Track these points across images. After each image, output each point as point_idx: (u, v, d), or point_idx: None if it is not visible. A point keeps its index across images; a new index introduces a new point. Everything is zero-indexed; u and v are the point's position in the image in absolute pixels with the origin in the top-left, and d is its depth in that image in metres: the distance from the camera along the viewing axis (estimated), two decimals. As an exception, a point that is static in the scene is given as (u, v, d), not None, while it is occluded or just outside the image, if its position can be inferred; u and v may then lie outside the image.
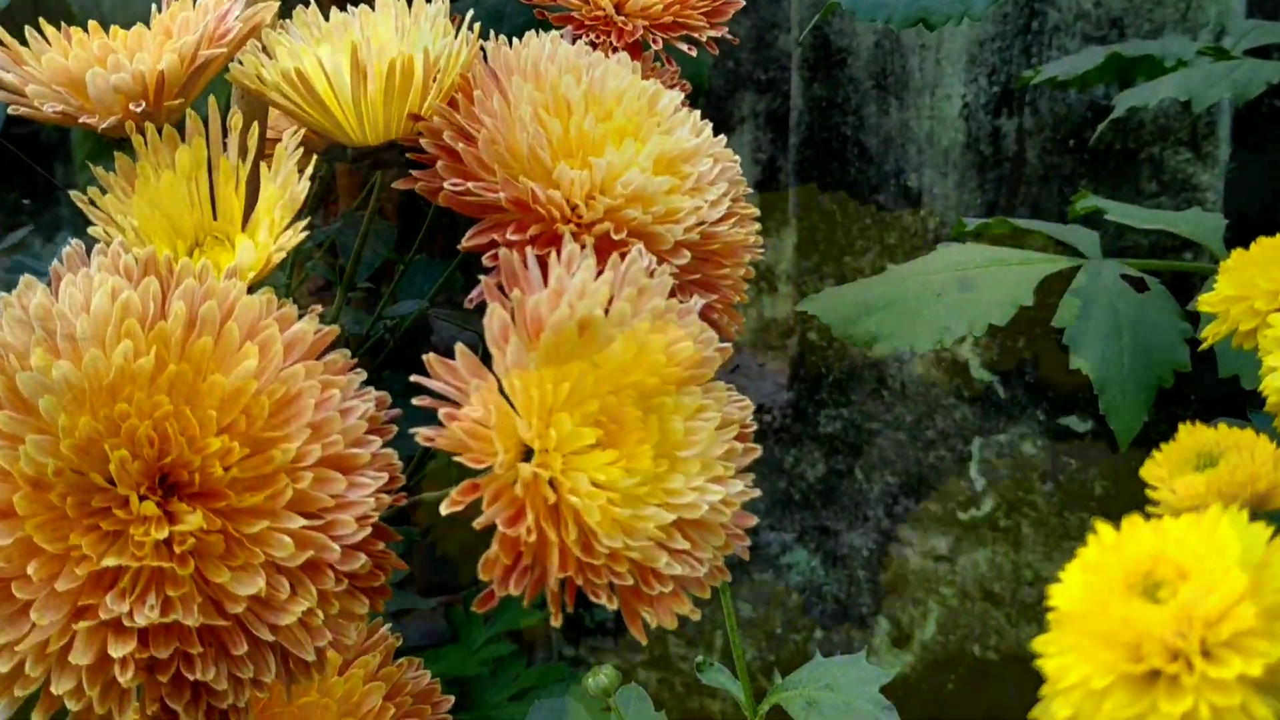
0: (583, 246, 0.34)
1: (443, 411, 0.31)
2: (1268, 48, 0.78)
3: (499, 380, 0.31)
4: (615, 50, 0.45)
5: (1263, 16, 0.83)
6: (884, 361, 0.96)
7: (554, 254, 0.34)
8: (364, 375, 0.34)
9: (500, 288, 0.33)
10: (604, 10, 0.46)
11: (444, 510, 0.31)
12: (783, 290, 1.08)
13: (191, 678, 0.30)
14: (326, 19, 0.41)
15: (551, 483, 0.31)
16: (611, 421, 0.33)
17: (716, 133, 0.42)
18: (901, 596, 0.98)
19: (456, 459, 0.31)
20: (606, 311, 0.33)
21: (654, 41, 0.47)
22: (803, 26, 0.96)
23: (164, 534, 0.30)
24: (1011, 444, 0.93)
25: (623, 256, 0.34)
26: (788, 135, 1.03)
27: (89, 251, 0.33)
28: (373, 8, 0.41)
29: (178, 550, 0.30)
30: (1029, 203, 0.92)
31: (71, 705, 0.29)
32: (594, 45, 0.46)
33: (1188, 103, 0.71)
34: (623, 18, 0.46)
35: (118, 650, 0.29)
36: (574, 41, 0.45)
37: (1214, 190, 0.85)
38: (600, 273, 0.33)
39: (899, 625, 0.99)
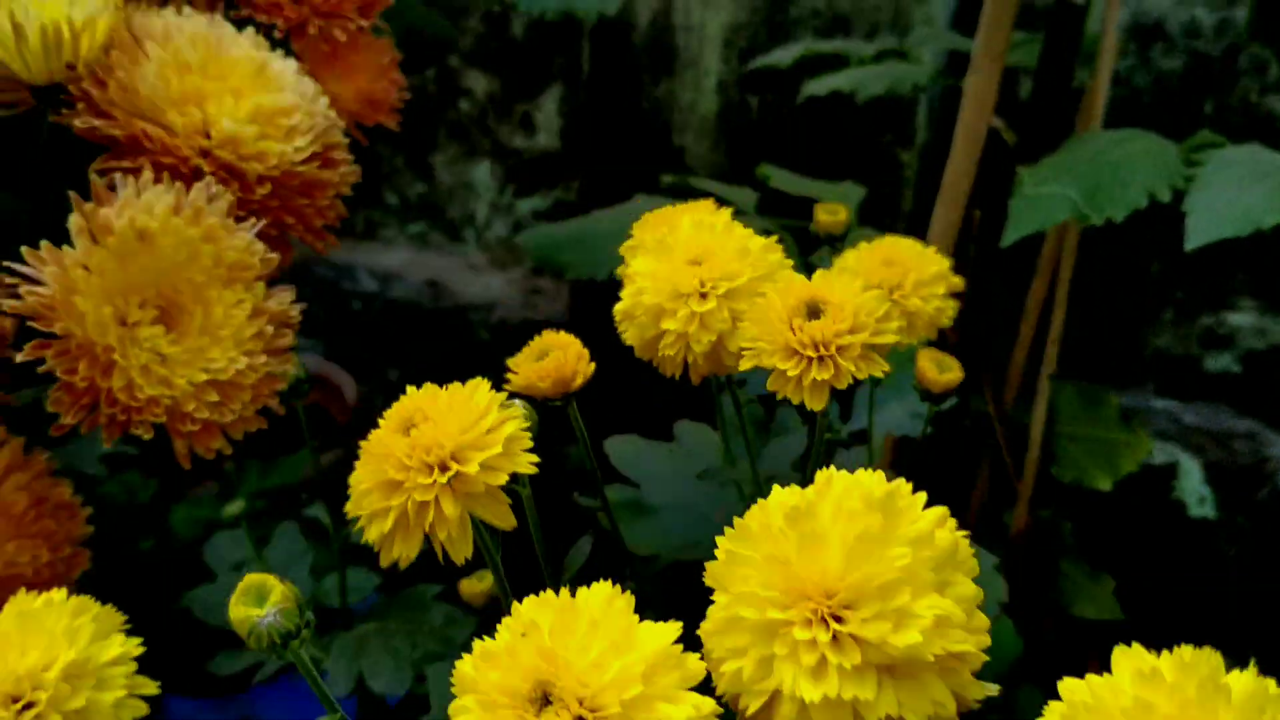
0: (188, 176, 0.46)
1: (23, 288, 0.43)
2: (954, 53, 0.91)
3: (68, 269, 0.43)
4: (282, 31, 0.57)
5: (961, 29, 0.96)
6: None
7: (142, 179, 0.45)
8: None
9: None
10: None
11: (18, 359, 0.43)
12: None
13: None
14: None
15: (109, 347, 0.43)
16: (169, 305, 0.45)
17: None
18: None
19: (30, 322, 0.43)
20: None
21: (313, 26, 0.59)
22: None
23: None
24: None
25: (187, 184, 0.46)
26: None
27: None
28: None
29: None
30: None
31: None
32: (261, 25, 0.57)
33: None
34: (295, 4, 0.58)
35: None
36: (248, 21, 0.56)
37: (911, 167, 0.99)
38: (177, 197, 0.45)
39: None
